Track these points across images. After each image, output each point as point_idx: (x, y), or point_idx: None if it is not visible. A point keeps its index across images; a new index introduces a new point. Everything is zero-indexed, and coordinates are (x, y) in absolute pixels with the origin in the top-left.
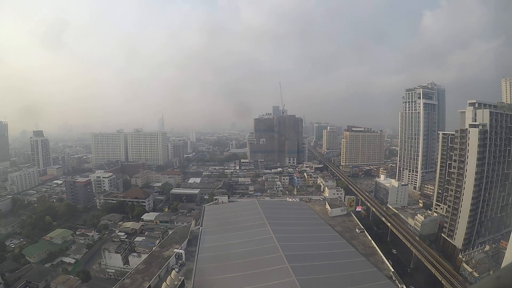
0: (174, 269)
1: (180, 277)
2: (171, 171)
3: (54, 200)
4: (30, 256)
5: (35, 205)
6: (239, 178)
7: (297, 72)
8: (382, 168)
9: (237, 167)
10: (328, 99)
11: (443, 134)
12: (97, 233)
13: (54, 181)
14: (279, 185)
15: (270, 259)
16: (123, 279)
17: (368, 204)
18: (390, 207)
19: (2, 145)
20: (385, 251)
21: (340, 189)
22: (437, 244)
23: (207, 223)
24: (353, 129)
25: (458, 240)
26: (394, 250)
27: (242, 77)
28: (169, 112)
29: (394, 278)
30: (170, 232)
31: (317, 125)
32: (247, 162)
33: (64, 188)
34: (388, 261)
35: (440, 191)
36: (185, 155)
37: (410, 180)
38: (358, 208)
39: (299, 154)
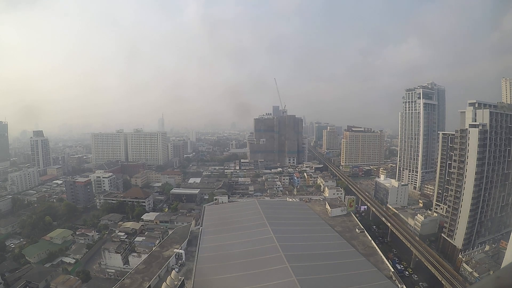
0: (174, 269)
1: (180, 277)
2: (171, 171)
3: (54, 200)
4: (30, 256)
5: (35, 205)
6: (239, 178)
7: (297, 72)
8: (382, 168)
9: (237, 167)
10: (329, 99)
11: (443, 134)
12: (97, 233)
13: (54, 181)
14: (279, 185)
15: (270, 259)
16: (123, 279)
17: (368, 204)
18: (390, 207)
19: (2, 145)
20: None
21: (340, 189)
22: (437, 244)
23: (207, 223)
24: (353, 129)
25: (458, 240)
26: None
27: (242, 77)
28: (169, 112)
29: (394, 278)
30: (170, 232)
31: (317, 125)
32: (247, 162)
33: (64, 188)
34: (388, 261)
35: (440, 191)
36: (185, 155)
37: (410, 180)
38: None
39: (299, 154)
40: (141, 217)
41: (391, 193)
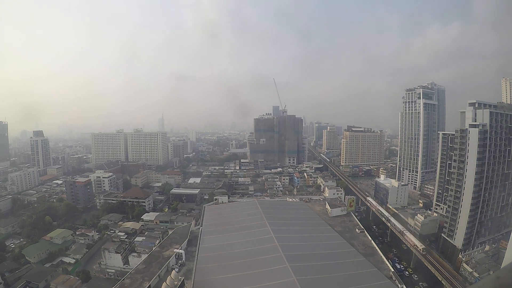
0: (174, 269)
1: (180, 277)
2: (171, 171)
3: (54, 200)
4: (30, 256)
5: (35, 205)
6: (239, 178)
7: (297, 72)
8: (382, 168)
9: (237, 167)
10: (329, 99)
11: (443, 134)
12: (97, 233)
13: (54, 181)
14: (279, 185)
15: (270, 259)
16: (123, 279)
17: (368, 204)
18: (390, 207)
19: (2, 145)
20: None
21: (340, 189)
22: (437, 244)
23: (207, 223)
24: (353, 129)
25: (458, 240)
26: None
27: (242, 77)
28: (169, 112)
29: (394, 278)
30: (170, 232)
31: (317, 125)
32: (247, 162)
33: (64, 188)
34: (388, 261)
35: (440, 191)
36: (185, 155)
37: (410, 180)
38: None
39: (299, 154)
40: (141, 217)
41: (391, 193)
